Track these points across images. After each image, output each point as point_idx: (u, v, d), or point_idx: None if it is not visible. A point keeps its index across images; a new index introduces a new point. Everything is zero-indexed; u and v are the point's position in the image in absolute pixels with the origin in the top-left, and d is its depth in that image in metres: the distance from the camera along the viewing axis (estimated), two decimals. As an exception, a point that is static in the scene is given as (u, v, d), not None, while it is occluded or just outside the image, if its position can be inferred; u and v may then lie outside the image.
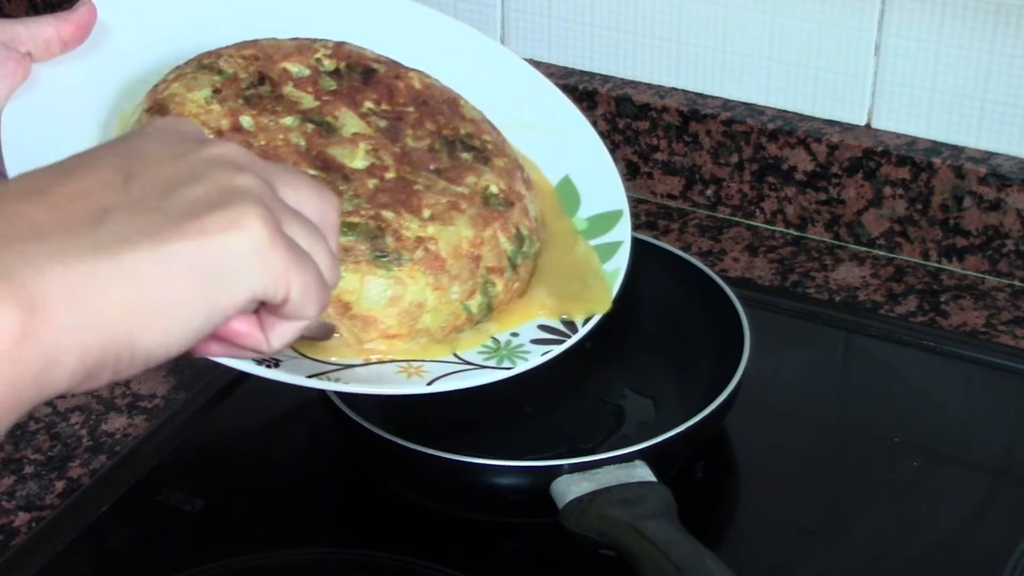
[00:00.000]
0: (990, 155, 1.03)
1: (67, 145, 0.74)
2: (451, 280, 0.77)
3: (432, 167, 0.80)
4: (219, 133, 0.76)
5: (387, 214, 0.77)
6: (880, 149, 1.05)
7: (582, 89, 1.13)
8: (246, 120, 0.78)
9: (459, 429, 0.85)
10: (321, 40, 0.84)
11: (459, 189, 0.80)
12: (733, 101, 1.11)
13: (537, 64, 1.16)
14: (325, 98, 0.81)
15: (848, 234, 1.08)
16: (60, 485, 0.86)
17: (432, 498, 0.83)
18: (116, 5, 0.80)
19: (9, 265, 0.47)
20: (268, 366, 0.71)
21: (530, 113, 0.89)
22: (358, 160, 0.79)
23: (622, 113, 1.13)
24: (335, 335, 0.75)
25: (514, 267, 0.80)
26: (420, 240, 0.76)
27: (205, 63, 0.79)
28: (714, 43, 1.10)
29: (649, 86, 1.13)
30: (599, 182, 0.88)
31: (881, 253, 1.07)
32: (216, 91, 0.78)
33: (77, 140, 0.75)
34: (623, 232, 0.85)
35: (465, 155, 0.82)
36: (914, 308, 1.01)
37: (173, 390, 0.93)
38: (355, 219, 0.76)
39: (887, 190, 1.05)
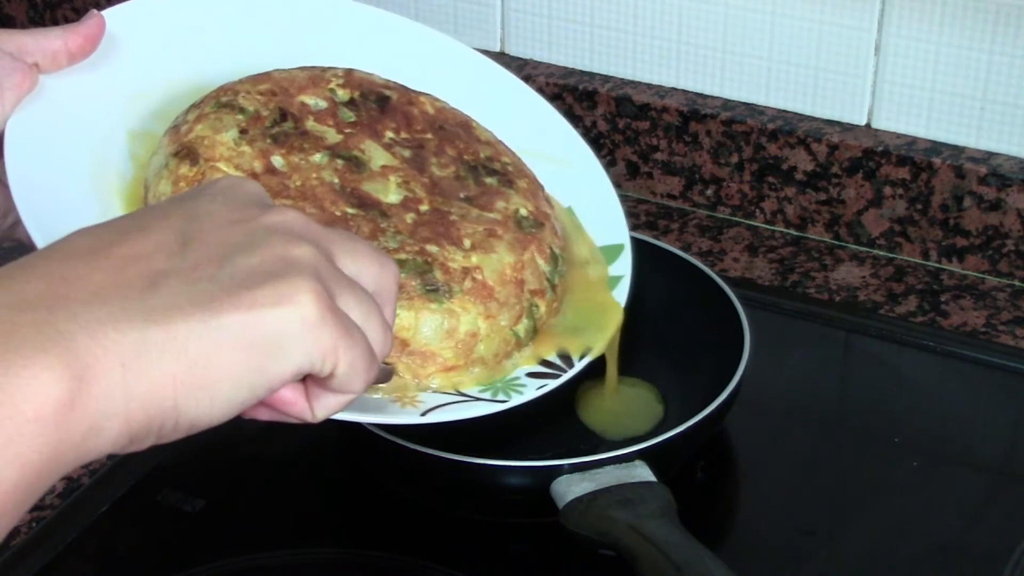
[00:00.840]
0: (990, 155, 1.03)
1: (69, 158, 0.74)
2: (500, 307, 0.78)
3: (462, 195, 0.81)
4: (253, 175, 0.75)
5: (431, 248, 0.77)
6: (880, 149, 1.05)
7: (582, 89, 1.13)
8: (277, 160, 0.77)
9: (459, 429, 0.84)
10: (331, 69, 0.84)
11: (492, 215, 0.81)
12: (733, 101, 1.11)
13: (537, 64, 1.17)
14: (347, 131, 0.81)
15: (848, 234, 1.08)
16: (60, 485, 0.86)
17: (432, 498, 0.83)
18: (125, 18, 0.80)
19: (63, 329, 0.47)
20: None
21: (533, 140, 0.89)
22: (392, 194, 0.79)
23: (622, 113, 1.13)
24: (394, 376, 0.75)
25: (553, 287, 0.81)
26: (467, 270, 0.77)
27: (223, 101, 0.79)
28: (714, 43, 1.10)
29: (649, 86, 1.13)
30: (602, 214, 0.88)
31: (881, 253, 1.08)
32: (243, 131, 0.77)
33: (80, 153, 0.75)
34: (624, 267, 0.86)
35: (490, 180, 0.83)
36: (914, 308, 1.01)
37: (173, 390, 0.93)
38: (402, 256, 0.76)
39: (887, 190, 1.05)
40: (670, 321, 0.91)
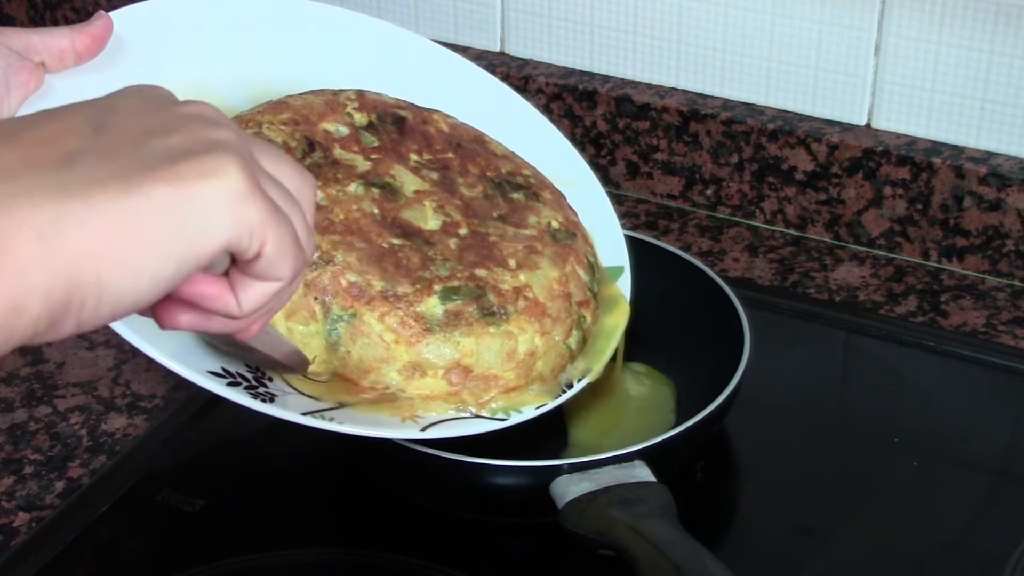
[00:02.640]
0: (990, 155, 1.03)
1: None
2: (553, 323, 0.79)
3: (495, 215, 0.82)
4: None
5: (480, 272, 0.78)
6: (880, 149, 1.05)
7: (582, 89, 1.13)
8: (317, 194, 0.77)
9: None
10: (343, 91, 0.84)
11: (528, 232, 0.82)
12: (733, 101, 1.11)
13: (537, 64, 1.17)
14: (374, 156, 0.81)
15: (848, 234, 1.08)
16: (60, 485, 0.86)
17: (432, 498, 0.83)
18: (132, 20, 0.80)
19: None
20: (263, 400, 0.72)
21: (533, 161, 0.89)
22: (431, 221, 0.80)
23: (622, 113, 1.13)
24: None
25: (594, 296, 0.82)
26: (518, 290, 0.78)
27: (249, 134, 0.78)
28: (714, 43, 1.10)
29: (649, 86, 1.13)
30: (602, 236, 0.88)
31: (881, 253, 1.07)
32: None
33: None
34: (623, 288, 0.86)
35: (516, 195, 0.84)
36: (914, 308, 1.01)
37: (173, 390, 0.93)
38: (455, 283, 0.77)
39: (887, 190, 1.05)
40: (670, 321, 0.91)
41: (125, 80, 0.78)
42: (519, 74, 1.15)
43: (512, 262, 0.79)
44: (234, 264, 0.53)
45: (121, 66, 0.78)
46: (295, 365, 0.74)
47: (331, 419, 0.73)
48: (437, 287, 0.77)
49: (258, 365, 0.75)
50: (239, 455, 0.89)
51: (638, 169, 1.14)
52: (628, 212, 1.12)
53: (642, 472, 0.77)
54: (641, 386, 0.89)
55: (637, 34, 1.12)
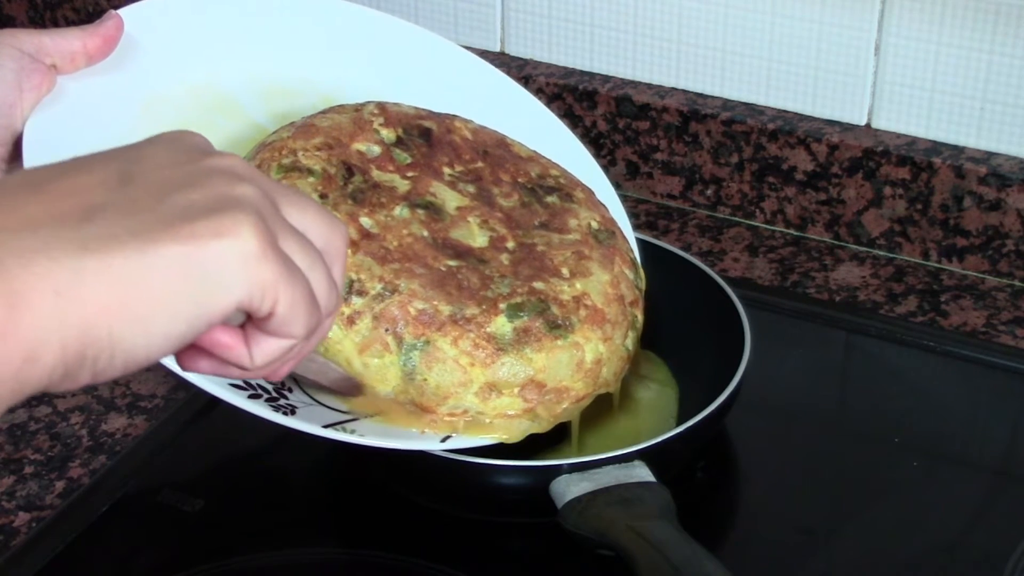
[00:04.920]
0: (990, 155, 1.03)
1: None
2: (613, 327, 0.79)
3: (536, 223, 0.82)
4: (353, 244, 0.75)
5: (538, 284, 0.78)
6: (880, 149, 1.05)
7: (582, 89, 1.13)
8: (366, 222, 0.77)
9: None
10: (365, 106, 0.83)
11: (571, 237, 0.82)
12: (733, 101, 1.11)
13: (537, 64, 1.17)
14: (409, 174, 0.81)
15: (848, 234, 1.08)
16: (60, 485, 0.86)
17: (432, 498, 0.83)
18: (143, 19, 0.80)
19: None
20: (285, 413, 0.72)
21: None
22: (478, 238, 0.80)
23: (622, 113, 1.13)
24: (365, 392, 0.76)
25: (641, 293, 0.82)
26: (577, 299, 0.78)
27: (286, 163, 0.78)
28: (714, 43, 1.10)
29: (649, 86, 1.13)
30: None
31: (881, 253, 1.07)
32: (323, 196, 0.77)
33: None
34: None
35: (551, 199, 0.84)
36: (914, 308, 1.01)
37: (173, 390, 0.93)
38: (518, 299, 0.77)
39: (887, 190, 1.05)
40: (670, 321, 0.91)
41: (137, 80, 0.79)
42: (519, 74, 1.15)
43: (565, 270, 0.79)
44: (249, 319, 0.53)
45: (132, 67, 0.78)
46: (346, 391, 0.74)
47: (352, 431, 0.73)
48: (502, 305, 0.77)
49: (309, 391, 0.75)
50: (239, 455, 0.89)
51: (638, 169, 1.14)
52: (628, 212, 1.12)
53: (642, 472, 0.77)
54: (647, 390, 0.89)
55: (637, 34, 1.12)
